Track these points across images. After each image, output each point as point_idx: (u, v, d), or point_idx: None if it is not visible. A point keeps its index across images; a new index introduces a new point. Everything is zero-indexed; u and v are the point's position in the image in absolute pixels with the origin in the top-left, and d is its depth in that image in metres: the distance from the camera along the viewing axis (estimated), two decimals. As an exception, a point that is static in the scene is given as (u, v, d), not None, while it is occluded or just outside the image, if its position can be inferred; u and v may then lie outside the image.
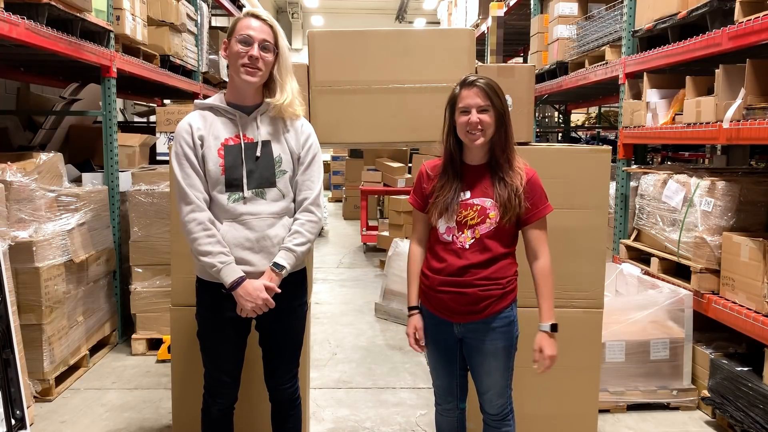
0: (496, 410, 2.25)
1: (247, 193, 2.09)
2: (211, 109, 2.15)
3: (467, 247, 2.08)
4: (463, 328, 2.16)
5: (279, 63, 2.13)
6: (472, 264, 2.08)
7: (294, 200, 2.21)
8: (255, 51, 2.06)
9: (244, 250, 2.10)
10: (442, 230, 2.12)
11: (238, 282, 2.05)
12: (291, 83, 2.16)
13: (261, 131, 2.14)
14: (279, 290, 2.10)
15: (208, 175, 2.09)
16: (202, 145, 2.10)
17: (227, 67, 2.19)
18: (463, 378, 2.27)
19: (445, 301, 2.12)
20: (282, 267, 2.10)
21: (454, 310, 2.13)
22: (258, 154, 2.11)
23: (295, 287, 2.25)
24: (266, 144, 2.14)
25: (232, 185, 2.09)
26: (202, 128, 2.11)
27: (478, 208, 2.08)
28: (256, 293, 2.05)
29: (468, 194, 2.10)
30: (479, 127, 2.03)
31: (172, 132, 4.84)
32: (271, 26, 2.12)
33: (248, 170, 2.10)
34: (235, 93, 2.15)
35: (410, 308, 2.23)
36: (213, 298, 2.16)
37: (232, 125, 2.13)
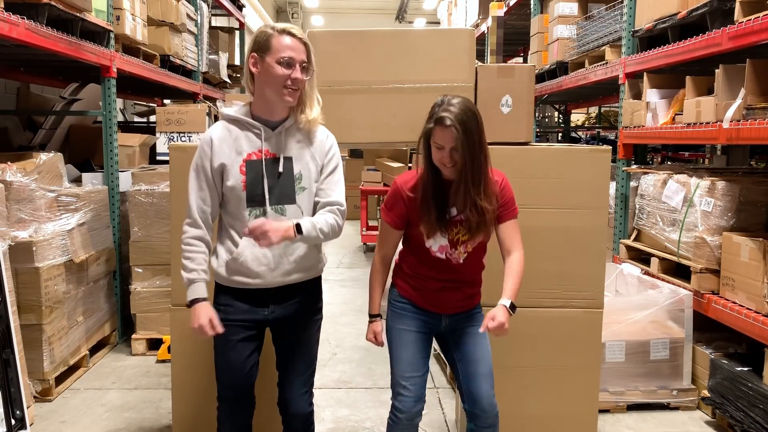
0: (492, 406, 2.22)
1: (269, 209, 2.08)
2: (237, 122, 2.12)
3: (461, 261, 2.21)
4: (451, 318, 2.28)
5: (310, 79, 2.10)
6: (466, 274, 2.25)
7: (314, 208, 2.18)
8: (298, 74, 2.03)
9: (261, 266, 2.11)
10: (435, 249, 2.18)
11: (194, 302, 2.09)
12: (317, 96, 2.16)
13: (285, 146, 2.12)
14: (274, 241, 1.99)
15: (230, 191, 2.08)
16: (222, 162, 2.08)
17: (250, 79, 2.10)
18: (427, 360, 2.30)
19: (441, 298, 2.25)
20: (301, 231, 2.01)
21: (446, 305, 2.26)
22: (280, 170, 2.09)
23: (309, 296, 2.30)
24: (288, 160, 2.12)
25: (254, 201, 2.08)
26: (225, 142, 2.09)
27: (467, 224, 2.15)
28: (198, 320, 2.06)
29: (455, 211, 2.15)
30: (449, 164, 2.09)
31: (172, 132, 4.84)
32: (305, 44, 2.07)
33: (269, 186, 2.08)
34: (264, 107, 2.12)
35: (371, 316, 2.35)
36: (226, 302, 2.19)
37: (256, 139, 2.11)
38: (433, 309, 2.27)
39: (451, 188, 2.15)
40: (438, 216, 2.13)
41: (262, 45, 2.03)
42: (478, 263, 2.28)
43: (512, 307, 2.14)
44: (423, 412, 2.26)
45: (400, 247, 2.34)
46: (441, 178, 2.16)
